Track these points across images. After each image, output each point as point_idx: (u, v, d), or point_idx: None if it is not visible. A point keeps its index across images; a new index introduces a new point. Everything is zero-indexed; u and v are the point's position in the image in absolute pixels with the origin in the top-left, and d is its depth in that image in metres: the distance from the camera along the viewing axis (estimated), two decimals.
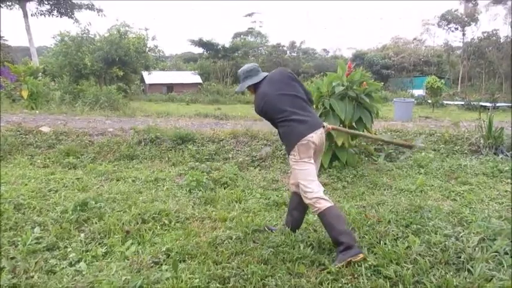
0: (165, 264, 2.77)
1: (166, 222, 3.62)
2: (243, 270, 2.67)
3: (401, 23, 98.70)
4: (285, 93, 3.10)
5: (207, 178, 5.11)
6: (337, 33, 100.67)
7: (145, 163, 6.27)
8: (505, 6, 40.01)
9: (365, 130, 5.74)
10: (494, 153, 6.42)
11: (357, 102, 5.56)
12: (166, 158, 6.46)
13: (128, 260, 2.87)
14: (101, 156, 6.48)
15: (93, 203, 3.86)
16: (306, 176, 3.01)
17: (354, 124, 5.58)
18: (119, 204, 4.08)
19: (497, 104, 23.80)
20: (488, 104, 23.32)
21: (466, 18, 41.30)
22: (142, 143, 6.94)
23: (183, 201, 4.38)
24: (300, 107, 3.09)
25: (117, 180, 5.16)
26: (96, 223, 3.53)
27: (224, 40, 66.12)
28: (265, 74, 3.29)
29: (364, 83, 5.60)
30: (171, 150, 6.73)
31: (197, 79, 46.32)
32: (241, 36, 52.48)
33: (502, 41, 40.26)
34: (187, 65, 56.74)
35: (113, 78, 21.43)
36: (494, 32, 40.63)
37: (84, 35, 19.49)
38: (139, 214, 3.71)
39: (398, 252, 2.86)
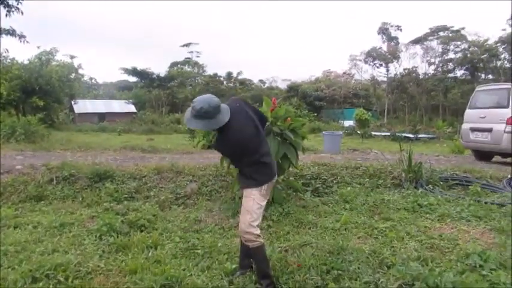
0: None
1: (62, 279, 3.14)
2: None
3: (332, 56, 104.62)
4: (254, 133, 3.06)
5: (122, 221, 4.66)
6: (273, 64, 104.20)
7: (55, 204, 5.64)
8: (422, 46, 43.92)
9: (291, 166, 5.66)
10: (415, 187, 6.63)
11: (282, 139, 5.47)
12: (80, 198, 5.88)
13: None
14: (3, 198, 5.74)
15: None
16: (258, 212, 3.06)
17: (279, 160, 5.46)
18: (9, 258, 3.52)
19: (419, 136, 25.53)
20: (411, 136, 24.95)
21: (389, 56, 44.67)
22: (54, 181, 6.29)
23: (89, 250, 3.90)
24: (269, 150, 3.22)
25: (15, 227, 4.53)
26: None
27: (160, 69, 65.46)
28: (226, 106, 3.03)
29: (289, 118, 5.54)
30: (86, 189, 6.15)
31: (131, 108, 45.09)
32: (178, 65, 52.34)
33: (421, 77, 43.93)
34: (121, 93, 55.24)
35: (34, 108, 20.01)
36: (414, 69, 44.33)
37: (2, 61, 18.13)
38: (30, 271, 3.20)
39: None
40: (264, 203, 3.11)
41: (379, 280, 3.02)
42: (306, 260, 3.44)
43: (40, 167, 6.80)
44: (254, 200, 3.02)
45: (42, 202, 5.72)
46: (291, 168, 5.93)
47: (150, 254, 3.82)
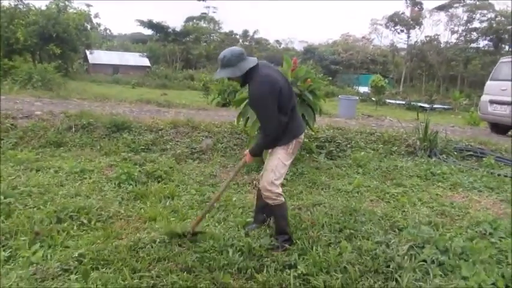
0: (75, 273, 2.48)
1: (85, 221, 3.29)
2: (163, 280, 2.45)
3: (352, 20, 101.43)
4: (286, 85, 3.01)
5: (139, 171, 4.79)
6: (290, 24, 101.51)
7: (74, 151, 5.78)
8: (446, 13, 42.30)
9: (307, 127, 5.67)
10: (429, 156, 6.63)
11: (300, 99, 5.45)
12: (98, 147, 6.00)
13: (33, 266, 2.54)
14: (24, 142, 5.88)
15: (2, 198, 3.43)
16: (282, 171, 3.06)
17: None
18: (34, 199, 3.67)
19: (434, 106, 25.14)
20: (426, 105, 24.58)
21: (411, 22, 43.19)
22: (73, 129, 6.40)
23: (109, 196, 4.05)
24: (296, 106, 3.13)
25: (38, 170, 4.67)
26: (2, 222, 3.13)
27: (176, 23, 64.31)
28: (254, 58, 3.00)
29: (309, 79, 5.50)
30: (104, 138, 6.27)
31: (145, 62, 44.77)
32: (194, 20, 51.27)
33: (442, 45, 42.61)
34: (135, 46, 54.65)
35: (50, 56, 19.97)
36: (436, 37, 42.93)
37: (19, 6, 17.91)
38: (55, 212, 3.35)
39: (329, 260, 2.77)
40: (289, 162, 3.10)
41: (390, 241, 3.10)
42: (320, 218, 3.53)
43: (59, 114, 6.90)
44: (279, 158, 3.01)
45: (62, 148, 5.85)
46: (306, 130, 5.94)
47: (167, 204, 3.94)
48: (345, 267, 2.71)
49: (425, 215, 3.97)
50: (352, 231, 3.32)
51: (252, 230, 3.28)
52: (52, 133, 6.12)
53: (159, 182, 4.69)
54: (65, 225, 3.18)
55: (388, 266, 2.75)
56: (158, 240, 2.96)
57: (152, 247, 2.87)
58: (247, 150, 3.07)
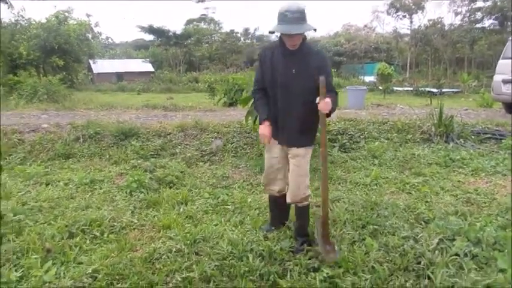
0: None
1: (98, 234, 3.18)
2: None
3: (352, 9, 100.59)
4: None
5: (150, 177, 4.68)
6: None
7: (83, 162, 5.70)
8: None
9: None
10: (445, 142, 6.43)
11: None
12: (107, 156, 5.90)
13: (46, 286, 2.43)
14: (32, 156, 5.81)
15: (11, 215, 3.34)
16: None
17: None
18: (44, 214, 3.57)
19: (443, 90, 24.71)
20: (435, 90, 24.18)
21: (413, 6, 42.57)
22: (81, 139, 6.32)
23: (121, 206, 3.93)
24: None
25: (47, 184, 4.58)
26: (12, 240, 3.02)
27: (176, 27, 64.29)
28: None
29: None
30: (112, 146, 6.17)
31: (149, 67, 44.79)
32: (194, 23, 51.11)
33: (446, 28, 41.94)
34: (138, 52, 54.76)
35: (54, 68, 20.00)
36: (439, 19, 42.24)
37: (19, 21, 17.94)
38: (66, 226, 3.25)
39: (356, 260, 2.62)
40: None
41: (418, 235, 2.94)
42: (341, 215, 3.37)
43: (66, 125, 6.83)
44: (308, 161, 2.85)
45: (70, 160, 5.77)
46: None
47: (181, 210, 3.82)
48: (372, 266, 2.56)
49: (450, 204, 3.79)
50: (376, 226, 3.16)
51: (270, 231, 3.14)
52: (60, 145, 6.05)
53: (170, 187, 4.57)
54: (77, 239, 3.06)
55: (419, 263, 2.59)
56: (174, 249, 2.83)
57: (168, 257, 2.75)
58: (326, 100, 2.55)
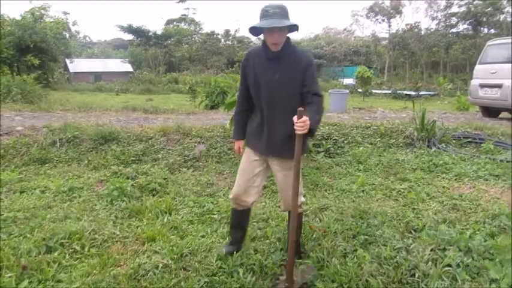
0: None
1: (78, 248, 3.00)
2: None
3: (332, 12, 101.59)
4: None
5: (132, 185, 4.51)
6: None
7: (61, 168, 5.47)
8: (425, 0, 42.56)
9: None
10: (428, 146, 6.48)
11: None
12: (86, 161, 5.69)
13: None
14: (5, 161, 5.54)
15: None
16: None
17: None
18: (19, 226, 3.37)
19: (421, 93, 25.20)
20: (412, 93, 24.63)
21: (391, 11, 43.32)
22: (58, 143, 6.08)
23: (102, 216, 3.77)
24: None
25: (22, 192, 4.36)
26: None
27: (156, 27, 63.61)
28: None
29: None
30: (91, 151, 5.96)
31: (127, 67, 44.19)
32: (174, 23, 50.65)
33: (422, 32, 42.86)
34: (116, 52, 53.94)
35: (29, 67, 19.36)
36: (417, 24, 43.17)
37: None
38: (43, 239, 3.06)
39: (349, 273, 2.55)
40: None
41: (409, 246, 2.89)
42: (331, 226, 3.31)
43: (41, 128, 6.56)
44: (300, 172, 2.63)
45: (47, 165, 5.53)
46: None
47: (165, 220, 3.68)
48: (366, 280, 2.50)
49: (437, 211, 3.79)
50: (366, 236, 3.11)
51: (229, 253, 2.83)
52: (35, 149, 5.80)
53: (154, 195, 4.43)
54: (56, 254, 2.88)
55: (413, 275, 2.54)
56: (161, 265, 2.70)
57: (155, 274, 2.61)
58: (308, 119, 2.28)
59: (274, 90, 2.56)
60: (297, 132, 2.28)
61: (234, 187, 2.82)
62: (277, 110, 2.58)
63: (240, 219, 2.92)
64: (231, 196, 2.83)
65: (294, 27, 2.55)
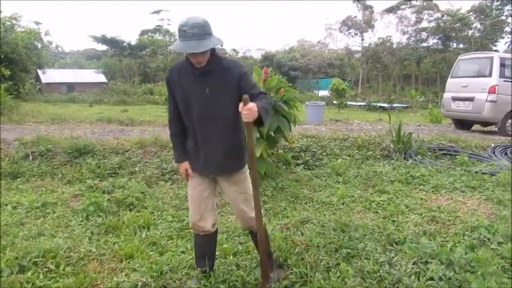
0: None
1: (53, 267, 2.87)
2: None
3: (307, 25, 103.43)
4: None
5: (108, 199, 4.39)
6: (246, 33, 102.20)
7: (34, 182, 5.27)
8: (396, 15, 43.90)
9: (283, 139, 5.47)
10: (404, 158, 6.59)
11: (274, 110, 5.24)
12: (60, 175, 5.51)
13: None
14: None
15: None
16: None
17: (271, 133, 5.26)
18: None
19: (394, 105, 25.82)
20: (386, 105, 25.20)
21: (363, 25, 44.46)
22: (30, 157, 5.88)
23: (77, 232, 3.64)
24: None
25: None
26: None
27: (130, 37, 63.01)
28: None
29: (282, 89, 5.31)
30: (65, 165, 5.78)
31: (101, 78, 43.45)
32: (149, 34, 50.24)
33: (394, 46, 44.13)
34: (89, 62, 53.04)
35: None
36: (388, 38, 44.43)
37: None
38: (16, 258, 2.91)
39: None
40: None
41: (392, 259, 2.91)
42: (313, 239, 3.29)
43: (13, 141, 6.35)
44: (250, 181, 2.47)
45: (19, 180, 5.34)
46: (282, 141, 5.76)
47: (143, 236, 3.59)
48: None
49: (416, 223, 3.83)
50: (349, 250, 3.10)
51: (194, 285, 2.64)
52: (7, 163, 5.60)
53: (131, 210, 4.32)
54: (29, 274, 2.74)
55: None
56: (140, 284, 2.61)
57: None
58: (249, 106, 2.12)
59: (206, 106, 2.40)
60: (244, 120, 2.13)
61: (190, 215, 2.69)
62: (210, 127, 2.42)
63: (202, 246, 2.73)
64: (190, 224, 2.71)
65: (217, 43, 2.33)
